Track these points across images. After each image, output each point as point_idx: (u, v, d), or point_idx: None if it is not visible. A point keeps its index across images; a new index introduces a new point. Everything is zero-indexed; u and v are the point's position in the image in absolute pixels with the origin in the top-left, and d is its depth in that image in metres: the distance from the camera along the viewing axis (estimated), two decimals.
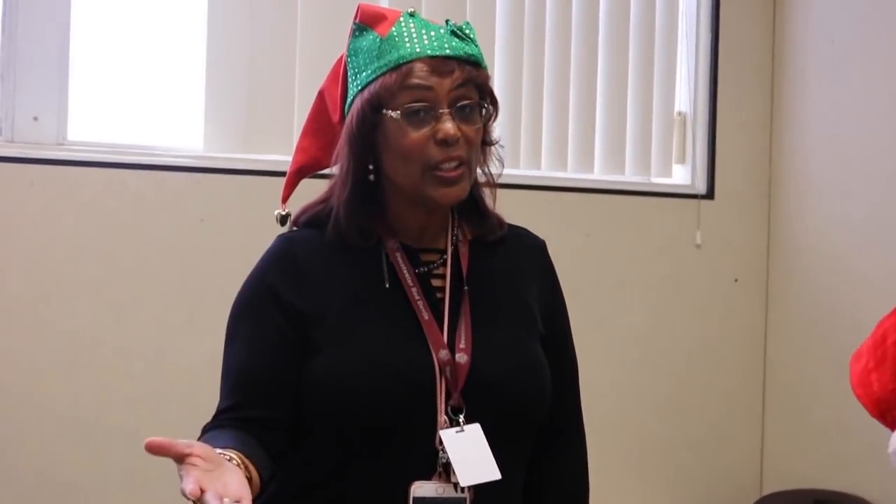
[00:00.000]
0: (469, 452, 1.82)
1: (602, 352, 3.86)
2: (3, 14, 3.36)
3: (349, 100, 1.93)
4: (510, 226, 2.05)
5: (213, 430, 1.79)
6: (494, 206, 2.01)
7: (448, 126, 1.84)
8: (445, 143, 1.84)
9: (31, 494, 3.32)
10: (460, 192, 1.89)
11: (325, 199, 1.96)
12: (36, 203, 3.33)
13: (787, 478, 4.01)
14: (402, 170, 1.88)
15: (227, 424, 1.80)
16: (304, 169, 2.04)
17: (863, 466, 3.65)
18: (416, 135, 1.85)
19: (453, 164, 1.86)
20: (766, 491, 4.10)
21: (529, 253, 2.05)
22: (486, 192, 2.00)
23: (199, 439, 1.72)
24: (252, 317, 1.90)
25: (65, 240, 3.35)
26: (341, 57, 1.97)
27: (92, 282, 3.37)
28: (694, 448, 4.04)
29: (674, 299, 4.03)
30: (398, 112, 1.84)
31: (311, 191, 2.03)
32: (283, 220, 2.03)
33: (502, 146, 1.99)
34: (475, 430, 1.83)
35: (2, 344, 3.29)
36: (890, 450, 1.86)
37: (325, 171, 2.04)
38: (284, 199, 2.03)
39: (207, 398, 3.26)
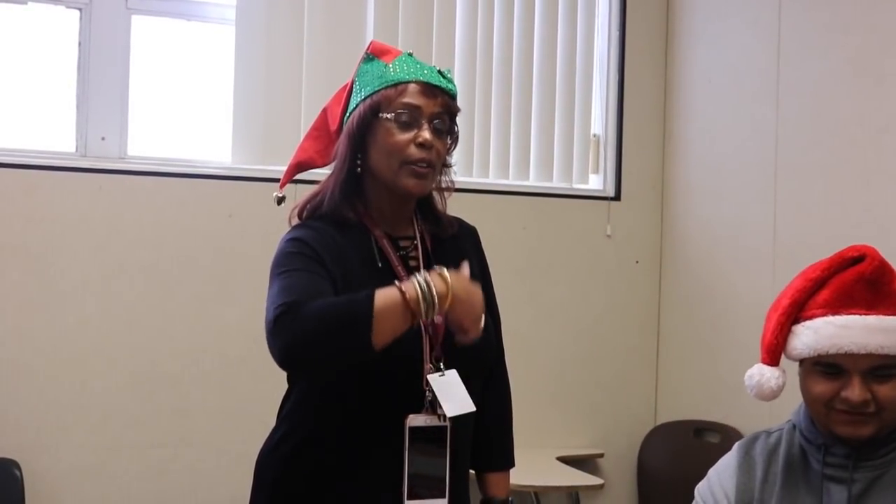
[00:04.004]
0: (450, 391, 1.85)
1: (534, 317, 3.96)
2: (79, 59, 3.42)
3: (351, 109, 1.96)
4: (450, 217, 2.10)
5: (328, 298, 1.75)
6: (445, 209, 2.07)
7: (427, 134, 1.90)
8: (423, 146, 1.90)
9: (99, 426, 3.40)
10: (425, 186, 1.95)
11: (318, 193, 1.99)
12: (103, 204, 3.43)
13: (675, 412, 4.09)
14: (385, 162, 1.91)
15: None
16: (302, 164, 2.06)
17: (731, 403, 3.74)
18: (402, 136, 1.90)
19: (424, 164, 1.91)
20: (659, 422, 4.16)
21: (467, 237, 2.11)
22: (438, 200, 2.06)
23: (314, 302, 1.70)
24: (299, 259, 1.84)
25: (125, 232, 3.45)
26: (344, 85, 2.02)
27: (146, 263, 3.47)
28: (604, 389, 4.11)
29: (589, 276, 4.10)
30: (392, 115, 1.90)
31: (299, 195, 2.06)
32: (279, 200, 2.05)
33: (455, 171, 2.08)
34: (453, 374, 1.86)
35: (77, 312, 3.37)
36: (746, 376, 1.87)
37: (312, 179, 2.08)
38: (282, 185, 2.06)
39: (236, 351, 3.42)
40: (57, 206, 3.32)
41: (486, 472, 2.11)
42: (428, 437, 1.77)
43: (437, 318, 1.88)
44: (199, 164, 3.57)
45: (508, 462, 2.14)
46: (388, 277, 1.89)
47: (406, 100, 1.91)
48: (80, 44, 3.45)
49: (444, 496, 1.81)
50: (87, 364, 3.36)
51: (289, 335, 1.69)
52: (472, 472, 2.10)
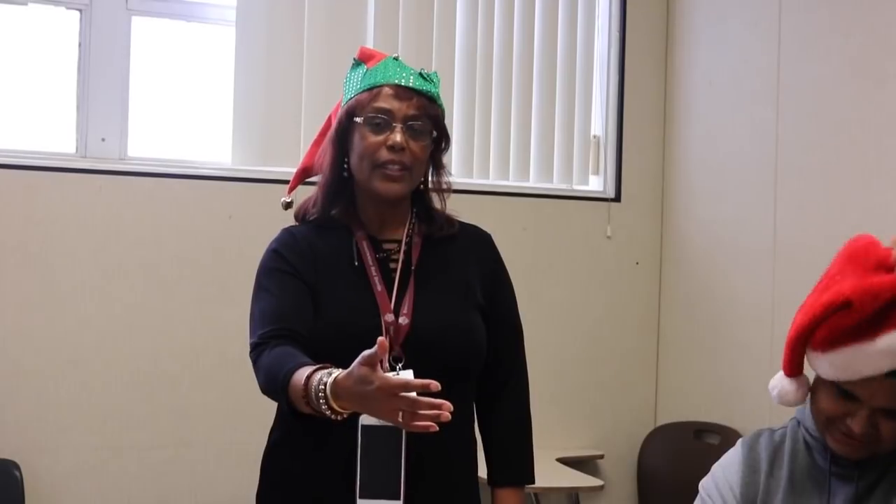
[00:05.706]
0: None
1: (534, 318, 3.84)
2: (79, 60, 3.42)
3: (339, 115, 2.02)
4: (464, 223, 2.11)
5: (282, 348, 1.81)
6: (445, 209, 2.08)
7: (397, 136, 1.92)
8: (393, 148, 1.92)
9: (99, 426, 3.40)
10: (399, 190, 1.96)
11: (312, 197, 2.06)
12: (103, 205, 3.43)
13: (675, 413, 4.09)
14: (359, 165, 1.95)
15: (284, 343, 1.83)
16: (308, 170, 2.10)
17: (731, 404, 3.75)
18: (374, 139, 1.93)
19: (397, 166, 1.93)
20: (659, 423, 4.17)
21: (477, 244, 2.10)
22: (436, 201, 2.07)
23: (271, 350, 1.81)
24: (275, 276, 1.95)
25: (125, 232, 3.45)
26: None
27: (146, 264, 3.47)
28: (604, 390, 4.11)
29: (589, 278, 4.10)
30: (363, 118, 1.94)
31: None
32: (286, 205, 2.10)
33: (450, 173, 2.08)
34: (407, 374, 1.75)
35: (77, 313, 3.38)
36: (770, 385, 1.83)
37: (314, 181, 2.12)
38: (290, 191, 2.11)
39: (234, 352, 3.42)
40: (57, 206, 3.33)
41: (495, 488, 2.06)
42: (383, 437, 1.69)
43: (403, 320, 1.90)
44: (199, 165, 3.57)
45: (523, 477, 2.08)
46: (361, 277, 1.95)
47: (378, 104, 1.93)
48: (80, 45, 3.46)
49: (398, 497, 1.77)
50: (87, 364, 3.36)
51: (257, 378, 1.86)
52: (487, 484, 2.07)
